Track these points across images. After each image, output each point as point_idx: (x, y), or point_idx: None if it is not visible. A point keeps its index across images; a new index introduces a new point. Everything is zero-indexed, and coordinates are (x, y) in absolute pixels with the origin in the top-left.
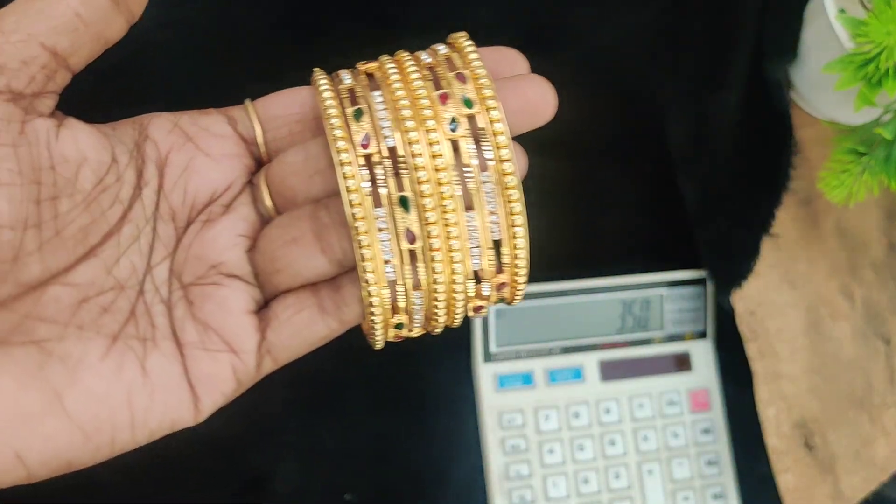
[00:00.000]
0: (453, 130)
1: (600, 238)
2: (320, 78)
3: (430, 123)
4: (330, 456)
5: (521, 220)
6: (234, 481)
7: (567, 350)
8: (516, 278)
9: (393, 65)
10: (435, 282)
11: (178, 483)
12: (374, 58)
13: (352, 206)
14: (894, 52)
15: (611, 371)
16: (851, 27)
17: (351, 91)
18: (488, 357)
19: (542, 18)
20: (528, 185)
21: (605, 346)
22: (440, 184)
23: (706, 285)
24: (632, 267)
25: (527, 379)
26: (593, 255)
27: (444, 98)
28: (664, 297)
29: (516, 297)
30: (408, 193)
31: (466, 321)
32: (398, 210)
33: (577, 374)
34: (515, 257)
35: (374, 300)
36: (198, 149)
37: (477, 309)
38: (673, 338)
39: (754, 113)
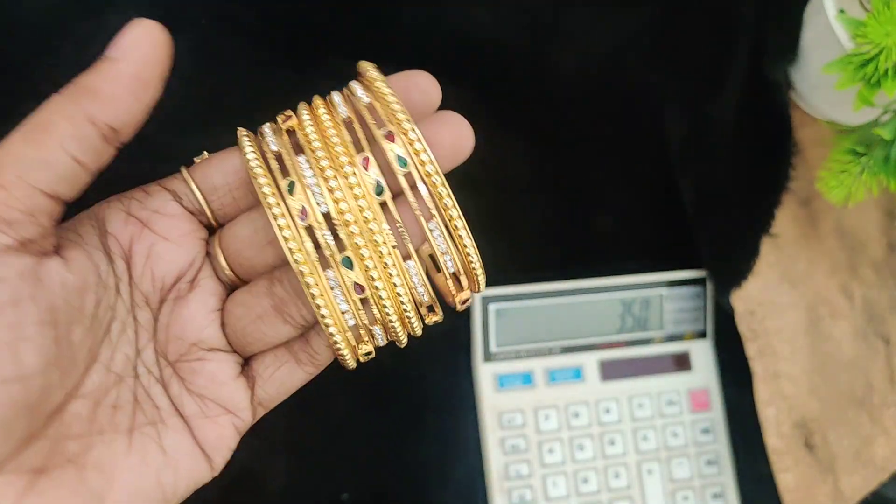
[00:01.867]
0: (379, 194)
1: (600, 238)
2: (246, 146)
3: (357, 191)
4: (328, 455)
5: (463, 228)
6: (225, 477)
7: (567, 350)
8: (474, 271)
9: (312, 128)
10: (387, 316)
11: None
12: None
13: (303, 276)
14: (893, 53)
15: (610, 371)
16: (851, 28)
17: (278, 157)
18: (488, 357)
19: (541, 19)
20: (528, 185)
21: (605, 345)
22: (377, 244)
23: (706, 285)
24: (632, 267)
25: (527, 379)
26: (593, 254)
27: (366, 162)
28: (664, 296)
29: (480, 285)
30: (349, 253)
31: (467, 322)
32: (343, 269)
33: (577, 373)
34: (467, 256)
35: (341, 346)
36: (155, 234)
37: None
38: (673, 338)
39: (754, 113)
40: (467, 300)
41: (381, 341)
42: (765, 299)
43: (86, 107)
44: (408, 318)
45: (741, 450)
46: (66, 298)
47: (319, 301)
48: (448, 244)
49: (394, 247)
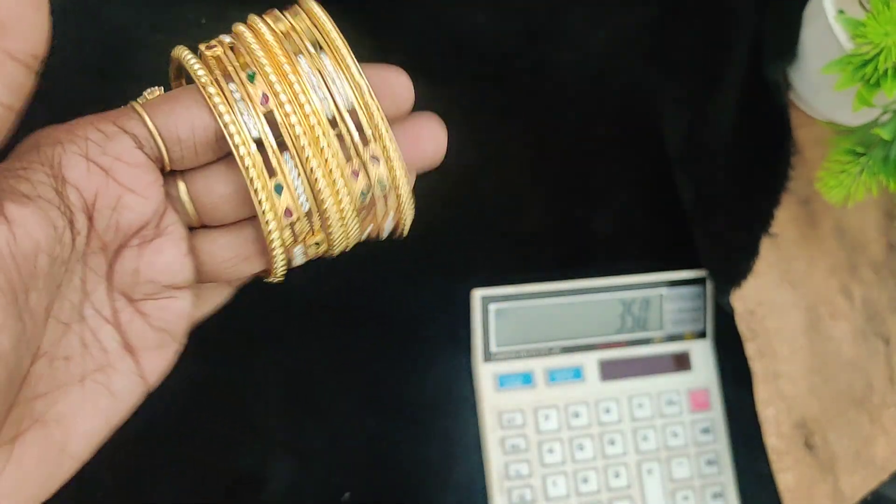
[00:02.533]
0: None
1: (600, 238)
2: (215, 98)
3: (307, 109)
4: (328, 456)
5: (395, 151)
6: (227, 479)
7: (567, 350)
8: (401, 200)
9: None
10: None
11: (170, 480)
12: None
13: (252, 182)
14: (892, 53)
15: (610, 371)
16: (850, 28)
17: (224, 71)
18: (488, 357)
19: (540, 19)
20: (527, 185)
21: (605, 345)
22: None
23: (706, 285)
24: (631, 267)
25: (527, 379)
26: (593, 254)
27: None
28: (664, 296)
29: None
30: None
31: (467, 322)
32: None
33: (577, 373)
34: (395, 180)
35: (276, 248)
36: (121, 186)
37: (363, 197)
38: (672, 337)
39: (753, 113)
40: (387, 224)
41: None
42: (764, 299)
43: (2, 45)
44: (344, 216)
45: (741, 450)
46: (18, 267)
47: (262, 198)
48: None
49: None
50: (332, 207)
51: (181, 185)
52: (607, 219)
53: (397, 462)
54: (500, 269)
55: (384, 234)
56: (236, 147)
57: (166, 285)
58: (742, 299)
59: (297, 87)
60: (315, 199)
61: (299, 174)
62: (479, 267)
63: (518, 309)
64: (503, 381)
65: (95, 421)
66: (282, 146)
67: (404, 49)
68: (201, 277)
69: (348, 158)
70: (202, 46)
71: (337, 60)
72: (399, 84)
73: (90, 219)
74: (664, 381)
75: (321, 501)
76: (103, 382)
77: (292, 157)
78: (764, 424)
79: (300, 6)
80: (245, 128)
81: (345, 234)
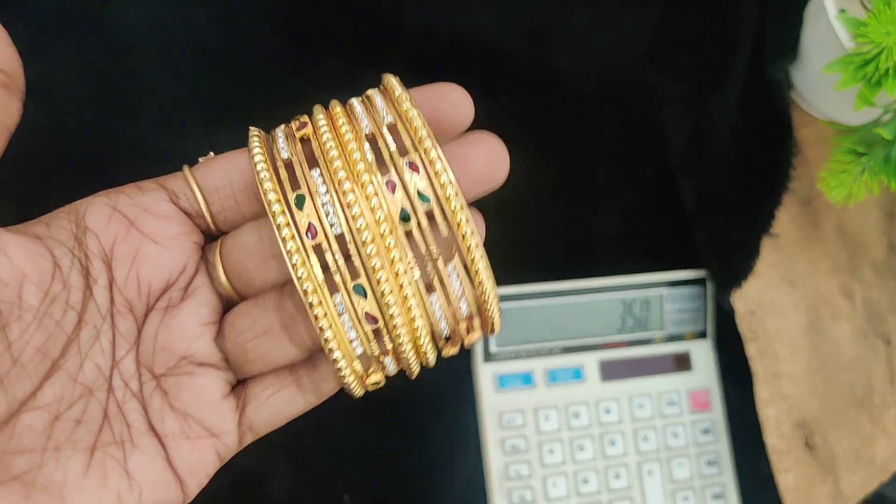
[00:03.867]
0: (405, 220)
1: (600, 238)
2: (255, 147)
3: (379, 215)
4: (329, 457)
5: (484, 269)
6: (226, 480)
7: (567, 350)
8: (490, 315)
9: (329, 136)
10: (402, 351)
11: None
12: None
13: (306, 295)
14: (893, 53)
15: (611, 371)
16: (851, 27)
17: (289, 166)
18: (488, 357)
19: (541, 20)
20: (528, 185)
21: (605, 345)
22: (397, 275)
23: (706, 285)
24: (632, 267)
25: (527, 379)
26: (593, 255)
27: (391, 186)
28: (664, 297)
29: (494, 327)
30: (362, 281)
31: None
32: (355, 297)
33: (577, 374)
34: (484, 298)
35: (345, 373)
36: (143, 235)
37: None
38: (673, 338)
39: (754, 113)
40: (476, 340)
41: (392, 370)
42: (765, 299)
43: None
44: (423, 351)
45: (741, 450)
46: None
47: (324, 323)
48: (465, 285)
49: (415, 279)
50: (403, 330)
51: (215, 247)
52: (608, 218)
53: (397, 463)
54: (500, 269)
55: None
56: (288, 254)
57: (183, 356)
58: (743, 299)
59: (369, 189)
60: (384, 318)
61: (368, 287)
62: None
63: (518, 309)
64: (503, 382)
65: (97, 498)
66: (345, 254)
67: (406, 47)
68: (231, 358)
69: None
70: (276, 133)
71: (420, 156)
72: (458, 98)
73: (109, 268)
74: (664, 381)
75: (321, 502)
76: (117, 458)
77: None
78: (764, 425)
79: (384, 87)
80: (300, 237)
81: (421, 359)
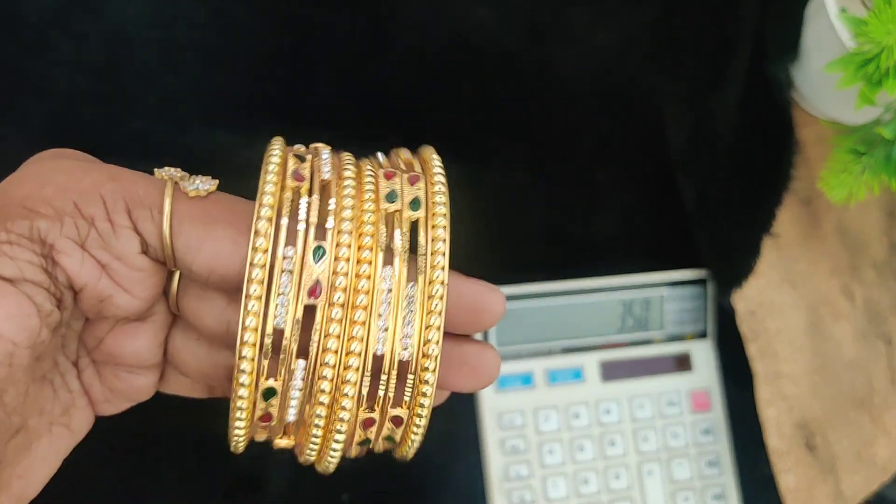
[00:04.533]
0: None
1: (601, 238)
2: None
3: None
4: None
5: (435, 349)
6: (225, 481)
7: (567, 350)
8: (416, 417)
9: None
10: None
11: (169, 482)
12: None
13: (237, 397)
14: (894, 52)
15: (611, 371)
16: (852, 26)
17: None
18: None
19: (542, 18)
20: (528, 184)
21: (606, 346)
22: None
23: (706, 285)
24: (632, 267)
25: (526, 380)
26: (593, 254)
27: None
28: (664, 297)
29: (410, 444)
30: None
31: None
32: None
33: (577, 374)
34: (421, 392)
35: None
36: (115, 285)
37: (361, 443)
38: (673, 338)
39: (755, 113)
40: (366, 446)
41: (291, 412)
42: (765, 299)
43: None
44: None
45: (742, 450)
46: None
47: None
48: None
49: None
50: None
51: (172, 283)
52: (608, 218)
53: (396, 463)
54: (500, 269)
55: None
56: (241, 337)
57: (131, 365)
58: (743, 299)
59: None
60: (307, 422)
61: (304, 388)
62: (478, 267)
63: (518, 309)
64: (503, 382)
65: (55, 463)
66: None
67: (405, 46)
68: (171, 361)
69: (369, 408)
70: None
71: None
72: (495, 305)
73: (76, 296)
74: (665, 381)
75: (320, 502)
76: (65, 424)
77: (306, 370)
78: (765, 425)
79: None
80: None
81: (325, 457)
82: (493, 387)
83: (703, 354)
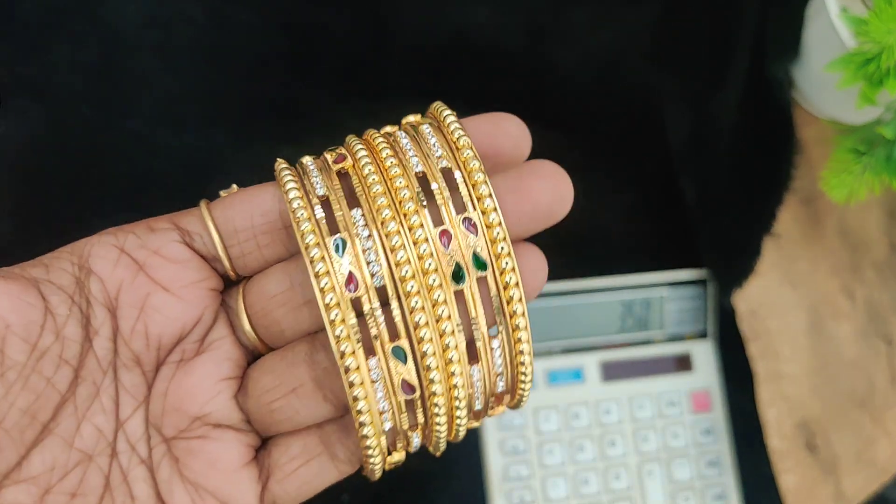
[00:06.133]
0: (458, 280)
1: (601, 238)
2: (289, 186)
3: (429, 264)
4: None
5: (527, 348)
6: None
7: (567, 351)
8: (521, 392)
9: (373, 172)
10: (436, 424)
11: None
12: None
13: (343, 357)
14: (895, 51)
15: (611, 372)
16: (853, 26)
17: (325, 204)
18: None
19: (542, 18)
20: None
21: (606, 346)
22: (442, 335)
23: (707, 285)
24: (632, 267)
25: None
26: (594, 254)
27: (444, 238)
28: (665, 297)
29: (521, 404)
30: (402, 342)
31: None
32: (393, 361)
33: (577, 374)
34: (520, 374)
35: (374, 458)
36: (152, 282)
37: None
38: (674, 338)
39: (756, 112)
40: (500, 413)
41: (416, 445)
42: (766, 299)
43: None
44: (456, 426)
45: (742, 451)
46: None
47: (358, 392)
48: (506, 362)
49: (460, 344)
50: (441, 400)
51: (237, 294)
52: (608, 218)
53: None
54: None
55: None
56: (324, 299)
57: (196, 417)
58: (744, 299)
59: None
60: (422, 387)
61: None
62: None
63: None
64: None
65: None
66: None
67: (405, 45)
68: (254, 419)
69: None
70: (308, 163)
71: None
72: (515, 130)
73: (114, 317)
74: (665, 382)
75: (319, 502)
76: None
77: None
78: (765, 425)
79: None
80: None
81: (451, 434)
82: None
83: (704, 355)
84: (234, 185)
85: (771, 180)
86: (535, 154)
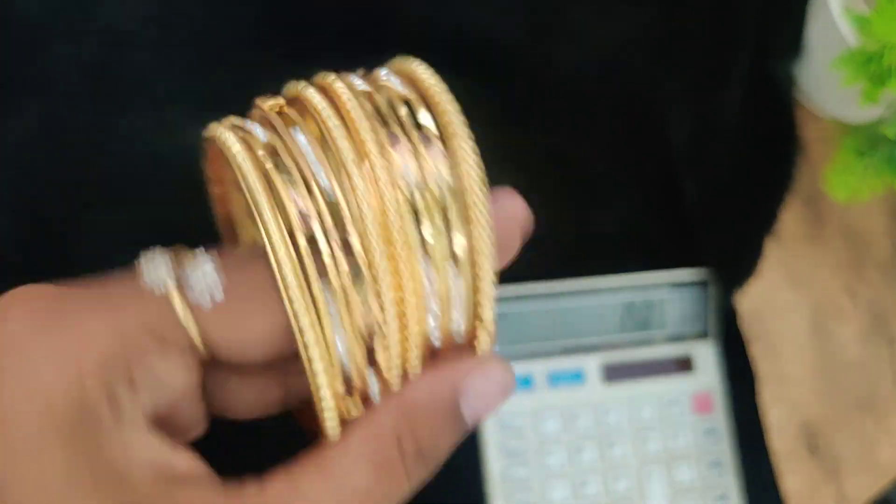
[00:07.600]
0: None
1: (602, 238)
2: (239, 158)
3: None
4: None
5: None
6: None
7: (567, 351)
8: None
9: (328, 107)
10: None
11: None
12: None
13: (297, 318)
14: None
15: (612, 373)
16: (856, 24)
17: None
18: None
19: (542, 17)
20: (528, 183)
21: (606, 347)
22: (412, 257)
23: (709, 286)
24: (633, 267)
25: (526, 381)
26: (594, 254)
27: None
28: (666, 297)
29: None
30: (366, 279)
31: None
32: (353, 295)
33: (578, 375)
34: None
35: (331, 415)
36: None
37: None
38: (675, 339)
39: (758, 111)
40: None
41: (375, 395)
42: (768, 300)
43: None
44: (412, 364)
45: (745, 452)
46: None
47: (313, 353)
48: (468, 292)
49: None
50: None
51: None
52: (609, 218)
53: None
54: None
55: None
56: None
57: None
58: (746, 300)
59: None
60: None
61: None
62: None
63: (517, 310)
64: None
65: None
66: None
67: (404, 42)
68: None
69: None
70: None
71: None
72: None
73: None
74: (666, 383)
75: None
76: None
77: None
78: (768, 427)
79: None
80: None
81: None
82: None
83: (706, 356)
84: (216, 280)
85: (774, 180)
86: (536, 153)
